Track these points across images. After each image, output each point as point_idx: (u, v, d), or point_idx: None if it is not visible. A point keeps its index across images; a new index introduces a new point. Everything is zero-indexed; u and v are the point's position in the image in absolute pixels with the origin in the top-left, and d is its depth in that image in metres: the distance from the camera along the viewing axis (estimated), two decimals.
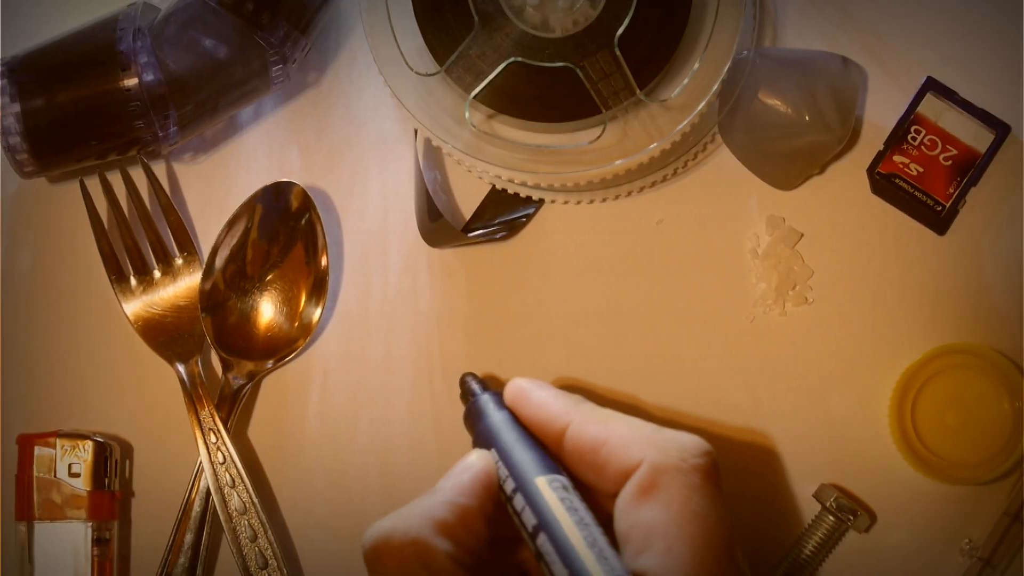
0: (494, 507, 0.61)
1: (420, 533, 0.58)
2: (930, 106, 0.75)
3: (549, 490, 0.59)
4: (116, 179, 0.77)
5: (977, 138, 0.75)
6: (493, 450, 0.63)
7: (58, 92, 0.73)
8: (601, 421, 0.61)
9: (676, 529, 0.56)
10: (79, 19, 0.75)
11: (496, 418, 0.65)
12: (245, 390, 0.76)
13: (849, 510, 0.73)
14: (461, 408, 0.71)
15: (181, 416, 0.75)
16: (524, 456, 0.62)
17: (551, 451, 0.63)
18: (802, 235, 0.76)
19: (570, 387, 0.75)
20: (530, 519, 0.59)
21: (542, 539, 0.58)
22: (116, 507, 0.75)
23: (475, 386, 0.68)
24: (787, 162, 0.75)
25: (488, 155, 0.71)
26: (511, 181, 0.73)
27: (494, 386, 0.68)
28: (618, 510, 0.58)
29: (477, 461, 0.62)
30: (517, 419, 0.65)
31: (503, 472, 0.62)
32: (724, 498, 0.59)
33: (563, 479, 0.60)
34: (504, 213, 0.77)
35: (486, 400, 0.67)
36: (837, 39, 0.78)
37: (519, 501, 0.60)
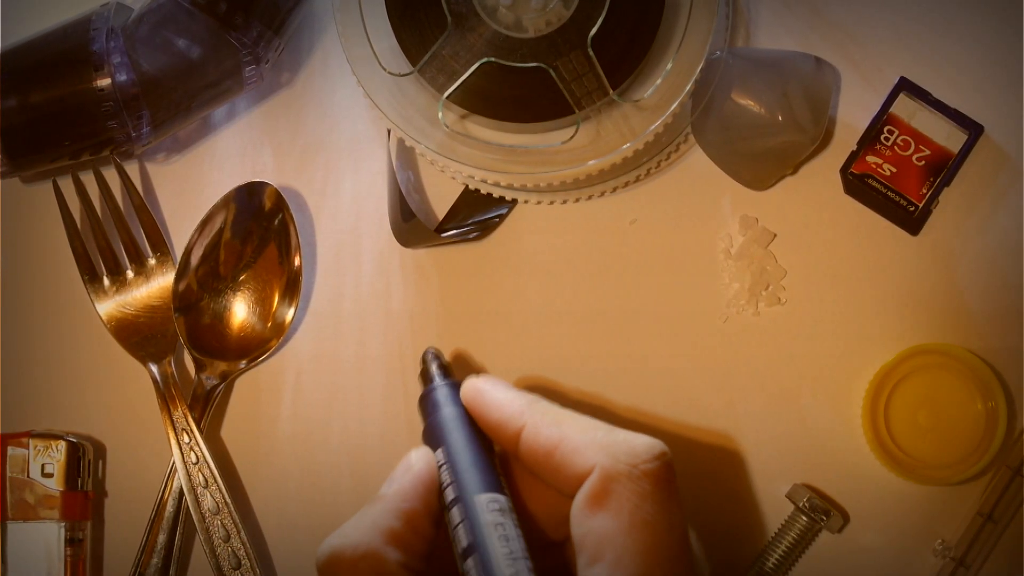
0: (438, 504, 0.61)
1: (371, 545, 0.57)
2: (903, 106, 0.75)
3: (487, 512, 0.58)
4: (89, 179, 0.77)
5: (950, 138, 0.75)
6: (440, 450, 0.62)
7: (31, 92, 0.73)
8: (554, 423, 0.61)
9: (625, 539, 0.56)
10: (52, 19, 0.75)
11: (449, 415, 0.64)
12: (218, 390, 0.76)
13: (822, 510, 0.73)
14: None
15: (154, 416, 0.75)
16: (468, 467, 0.61)
17: (507, 452, 0.63)
18: (775, 235, 0.76)
19: (540, 387, 0.76)
20: (463, 538, 0.58)
21: (470, 563, 0.57)
22: (89, 507, 0.75)
23: (435, 371, 0.67)
24: (760, 162, 0.75)
25: (461, 155, 0.71)
26: (484, 181, 0.73)
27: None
28: (573, 516, 0.58)
29: (418, 463, 0.61)
30: (471, 419, 0.64)
31: (446, 477, 0.61)
32: (678, 501, 0.58)
33: (503, 500, 0.59)
34: (477, 213, 0.77)
35: (444, 392, 0.65)
36: (810, 39, 0.78)
37: (456, 515, 0.59)
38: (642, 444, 0.59)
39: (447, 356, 0.73)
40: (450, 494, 0.60)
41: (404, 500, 0.59)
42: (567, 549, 0.62)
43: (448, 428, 0.63)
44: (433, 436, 0.64)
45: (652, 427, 0.75)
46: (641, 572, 0.55)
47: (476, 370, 0.76)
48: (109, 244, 0.77)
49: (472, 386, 0.64)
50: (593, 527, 0.57)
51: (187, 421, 0.74)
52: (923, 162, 0.74)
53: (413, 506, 0.59)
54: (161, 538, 0.74)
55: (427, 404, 0.66)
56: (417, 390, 0.75)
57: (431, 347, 0.69)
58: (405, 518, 0.59)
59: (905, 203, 0.74)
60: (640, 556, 0.56)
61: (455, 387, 0.65)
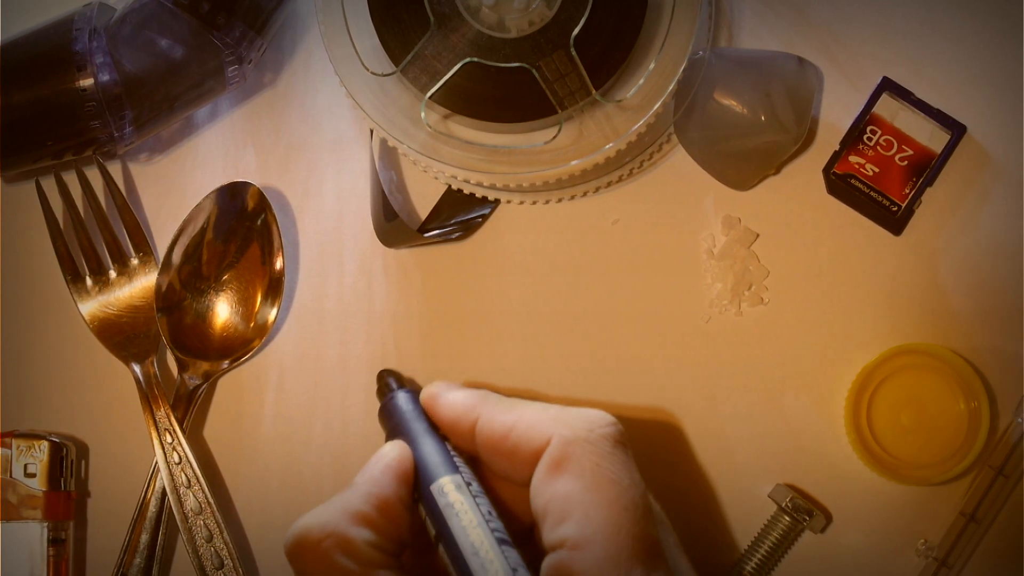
0: (412, 492, 0.62)
1: (337, 526, 0.58)
2: (886, 106, 0.75)
3: (442, 494, 0.60)
4: (72, 179, 0.77)
5: (933, 138, 0.75)
6: None
7: (14, 92, 0.73)
8: (508, 409, 0.62)
9: (591, 496, 0.57)
10: (34, 19, 0.75)
11: (408, 418, 0.65)
12: (201, 390, 0.76)
13: (805, 510, 0.73)
14: None
15: (137, 416, 0.75)
16: (423, 459, 0.62)
17: (463, 449, 0.63)
18: (758, 235, 0.76)
19: (524, 388, 0.76)
20: (431, 529, 0.60)
21: (441, 549, 0.59)
22: (72, 507, 0.75)
23: (391, 382, 0.69)
24: (743, 162, 0.75)
25: (444, 155, 0.71)
26: (467, 181, 0.73)
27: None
28: (533, 489, 0.59)
29: (390, 451, 0.62)
30: (425, 417, 0.65)
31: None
32: (635, 463, 0.59)
33: (457, 478, 0.61)
34: (460, 213, 0.77)
35: (400, 398, 0.67)
36: (793, 39, 0.78)
37: (421, 510, 0.61)
38: (595, 413, 0.61)
39: (430, 355, 0.74)
40: (416, 492, 0.62)
41: (374, 485, 0.60)
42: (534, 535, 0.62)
43: (405, 428, 0.65)
44: (391, 438, 0.65)
45: (633, 427, 0.75)
46: (609, 524, 0.56)
47: (457, 370, 0.76)
48: (92, 244, 0.77)
49: (427, 392, 0.66)
50: (556, 491, 0.58)
51: (170, 421, 0.74)
52: (906, 162, 0.75)
53: (383, 491, 0.60)
54: (144, 538, 0.74)
55: (386, 412, 0.67)
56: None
57: (385, 368, 0.72)
58: (374, 502, 0.60)
59: (888, 203, 0.75)
60: (607, 510, 0.56)
61: (412, 393, 0.67)
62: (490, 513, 0.59)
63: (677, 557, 0.60)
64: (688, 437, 0.75)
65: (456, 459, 0.62)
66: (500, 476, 0.62)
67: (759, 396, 0.75)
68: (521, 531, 0.61)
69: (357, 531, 0.58)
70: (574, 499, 0.57)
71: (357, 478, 0.61)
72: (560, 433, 0.59)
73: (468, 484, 0.60)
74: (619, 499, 0.57)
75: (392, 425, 0.66)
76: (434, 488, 0.60)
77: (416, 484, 0.62)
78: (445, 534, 0.59)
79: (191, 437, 0.76)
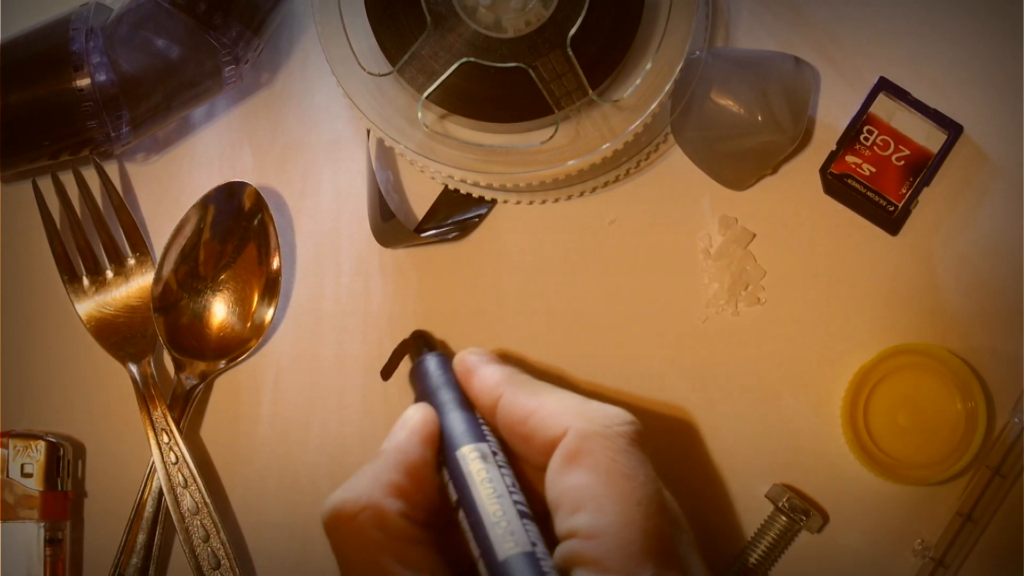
0: (438, 455, 0.62)
1: (371, 497, 0.59)
2: (883, 106, 0.75)
3: (468, 461, 0.60)
4: (69, 179, 0.77)
5: (930, 138, 0.75)
6: None
7: (10, 93, 0.73)
8: (532, 393, 0.62)
9: (605, 489, 0.57)
10: (31, 19, 0.75)
11: (435, 382, 0.66)
12: (197, 390, 0.76)
13: (801, 510, 0.73)
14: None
15: (134, 416, 0.75)
16: (451, 425, 0.63)
17: (486, 421, 0.64)
18: (754, 235, 0.76)
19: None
20: (452, 493, 0.60)
21: (461, 515, 0.59)
22: (69, 507, 0.75)
23: (424, 346, 0.70)
24: (740, 162, 0.75)
25: (441, 155, 0.71)
26: (464, 181, 0.73)
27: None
28: (548, 479, 0.59)
29: (414, 415, 0.63)
30: (456, 385, 0.65)
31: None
32: (651, 462, 0.59)
33: (483, 447, 0.61)
34: (457, 213, 0.77)
35: (431, 361, 0.67)
36: (789, 39, 0.78)
37: (444, 474, 0.61)
38: (614, 410, 0.61)
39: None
40: (440, 456, 0.62)
41: (401, 453, 0.61)
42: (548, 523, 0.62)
43: (434, 393, 0.65)
44: (420, 401, 0.66)
45: None
46: (622, 518, 0.56)
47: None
48: (89, 244, 0.77)
49: (460, 358, 0.66)
50: (571, 482, 0.58)
51: (166, 421, 0.74)
52: (903, 162, 0.75)
53: (411, 458, 0.61)
54: (141, 538, 0.74)
55: (416, 374, 0.68)
56: (397, 390, 0.75)
57: (420, 329, 0.72)
58: (404, 470, 0.60)
59: (885, 203, 0.74)
60: (621, 503, 0.56)
61: (443, 358, 0.67)
62: (513, 485, 0.60)
63: (690, 556, 0.60)
64: (685, 437, 0.75)
65: (484, 428, 0.63)
66: (517, 456, 0.63)
67: (756, 396, 0.75)
68: (536, 514, 0.61)
69: (391, 502, 0.58)
70: (587, 492, 0.57)
71: (384, 445, 0.62)
72: (577, 426, 0.59)
73: (494, 454, 0.61)
74: (633, 494, 0.57)
75: (422, 388, 0.66)
76: (459, 454, 0.61)
77: (441, 448, 0.62)
78: (467, 500, 0.59)
79: (188, 437, 0.76)
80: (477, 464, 0.60)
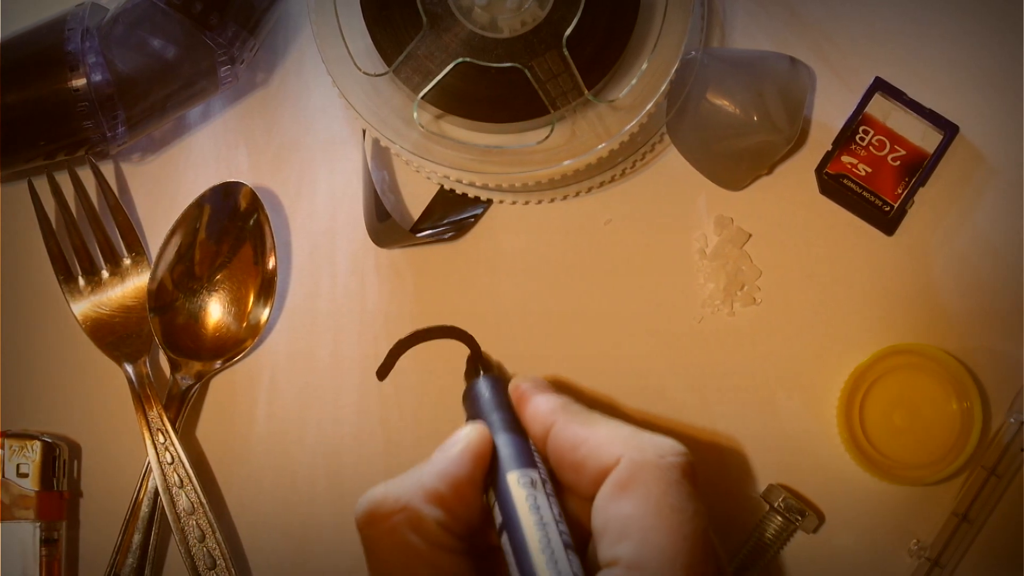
0: (483, 474, 0.62)
1: (410, 500, 0.59)
2: (878, 106, 0.75)
3: (518, 487, 0.60)
4: (64, 179, 0.77)
5: (925, 138, 0.75)
6: None
7: (6, 93, 0.73)
8: (584, 423, 0.62)
9: (653, 520, 0.57)
10: (27, 20, 0.75)
11: (488, 405, 0.66)
12: (193, 390, 0.76)
13: (797, 511, 0.73)
14: (408, 409, 0.73)
15: (129, 416, 0.75)
16: (503, 448, 0.62)
17: (537, 449, 0.64)
18: (750, 235, 0.76)
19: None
20: (498, 516, 0.60)
21: (505, 538, 0.59)
22: (64, 507, 0.75)
23: (479, 367, 0.70)
24: (735, 162, 0.75)
25: (436, 155, 0.71)
26: (459, 181, 0.73)
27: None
28: (596, 507, 0.59)
29: (471, 432, 0.63)
30: (510, 408, 0.66)
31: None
32: (701, 496, 0.59)
33: (533, 474, 0.61)
34: (452, 213, 0.77)
35: (484, 383, 0.68)
36: (785, 39, 0.78)
37: (491, 496, 0.61)
38: (667, 441, 0.61)
39: (422, 355, 0.73)
40: (488, 477, 0.62)
41: (451, 464, 0.61)
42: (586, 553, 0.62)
43: (487, 415, 0.65)
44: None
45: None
46: (668, 551, 0.56)
47: (449, 370, 0.76)
48: (84, 244, 0.77)
49: (514, 384, 0.66)
50: (619, 511, 0.58)
51: (162, 421, 0.74)
52: (898, 162, 0.75)
53: (459, 471, 0.61)
54: (136, 538, 0.74)
55: (470, 395, 0.68)
56: (393, 390, 0.75)
57: (474, 352, 0.72)
58: (449, 481, 0.60)
59: (880, 203, 0.74)
60: (667, 536, 0.56)
61: (497, 381, 0.68)
62: (560, 515, 0.59)
63: None
64: (680, 437, 0.75)
65: (535, 455, 0.63)
66: (564, 486, 0.62)
67: (751, 396, 0.75)
68: (578, 546, 0.61)
69: (429, 509, 0.58)
70: (635, 521, 0.57)
71: (435, 455, 0.62)
72: (630, 455, 0.59)
73: (544, 482, 0.61)
74: (680, 528, 0.57)
75: (475, 409, 0.66)
76: (511, 477, 0.60)
77: (491, 469, 0.62)
78: (513, 525, 0.59)
79: (183, 437, 0.76)
80: (527, 490, 0.60)
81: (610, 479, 0.59)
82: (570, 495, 0.62)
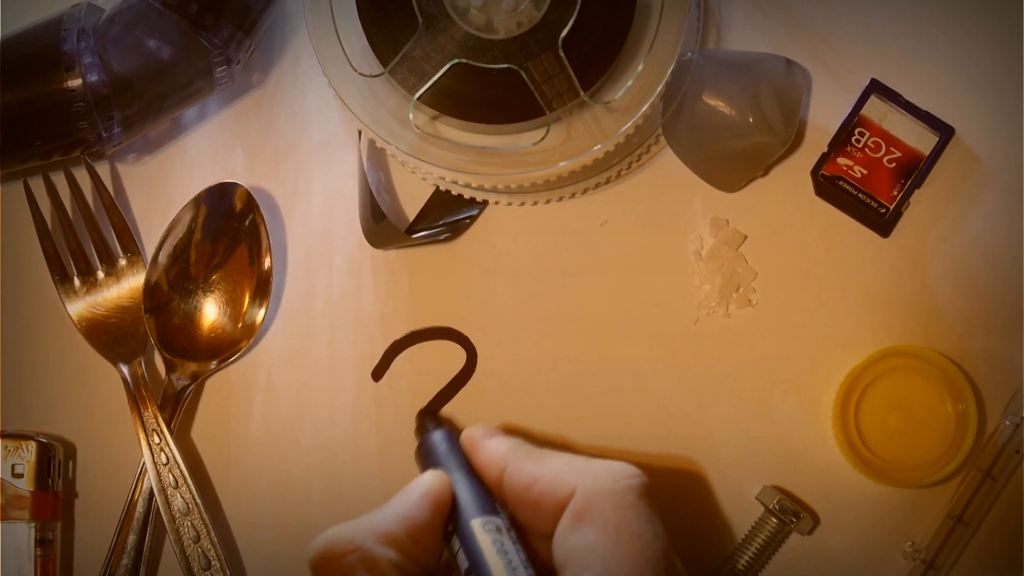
0: (446, 523, 0.62)
1: (364, 542, 0.58)
2: (874, 108, 0.75)
3: (483, 532, 0.60)
4: (60, 180, 0.77)
5: (921, 140, 0.75)
6: None
7: (2, 93, 0.73)
8: (536, 459, 0.62)
9: (613, 548, 0.57)
10: (23, 20, 0.75)
11: (445, 456, 0.65)
12: (188, 391, 0.76)
13: (792, 512, 0.73)
14: (404, 410, 0.73)
15: (124, 417, 0.75)
16: (464, 496, 0.62)
17: (494, 495, 0.63)
18: (746, 237, 0.76)
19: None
20: (463, 562, 0.59)
21: None
22: (59, 508, 0.75)
23: (430, 423, 0.70)
24: (731, 164, 0.75)
25: (432, 156, 0.71)
26: (455, 182, 0.73)
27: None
28: (556, 540, 0.59)
29: (431, 479, 0.62)
30: (466, 459, 0.65)
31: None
32: (658, 516, 0.59)
33: (498, 520, 0.60)
34: (448, 214, 0.77)
35: (437, 436, 0.67)
36: (781, 41, 0.78)
37: (455, 543, 0.60)
38: (620, 465, 0.61)
39: (417, 356, 0.73)
40: (448, 526, 0.61)
41: (408, 508, 0.60)
42: None
43: (445, 467, 0.65)
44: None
45: (622, 429, 0.75)
46: None
47: (443, 371, 0.76)
48: (80, 244, 0.77)
49: (465, 434, 0.66)
50: (579, 541, 0.57)
51: (157, 422, 0.74)
52: (894, 164, 0.75)
53: (417, 516, 0.60)
54: (131, 539, 0.74)
55: (424, 450, 0.67)
56: (388, 391, 0.75)
57: (423, 409, 0.73)
58: (406, 526, 0.59)
59: (876, 205, 0.74)
60: (629, 563, 0.56)
61: (450, 433, 0.67)
62: (527, 561, 0.59)
63: None
64: (676, 439, 0.75)
65: (495, 504, 0.62)
66: (524, 527, 0.62)
67: (747, 398, 0.75)
68: None
69: (383, 550, 0.58)
70: (596, 550, 0.57)
71: (393, 500, 0.61)
72: (585, 485, 0.59)
73: (508, 529, 0.60)
74: (640, 552, 0.57)
75: (431, 462, 0.66)
76: (475, 524, 0.60)
77: (453, 516, 0.61)
78: (480, 571, 0.58)
79: (179, 438, 0.76)
80: (492, 535, 0.60)
81: (567, 511, 0.59)
82: (532, 536, 0.62)
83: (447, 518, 0.61)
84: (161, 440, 0.74)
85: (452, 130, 0.72)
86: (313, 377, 0.77)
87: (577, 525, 0.58)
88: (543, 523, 0.60)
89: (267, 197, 0.78)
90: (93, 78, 0.73)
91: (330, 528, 0.59)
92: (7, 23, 0.77)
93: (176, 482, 0.74)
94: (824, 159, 0.75)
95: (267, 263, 0.76)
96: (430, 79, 0.70)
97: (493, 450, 0.64)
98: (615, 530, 0.57)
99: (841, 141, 0.75)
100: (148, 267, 0.76)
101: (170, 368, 0.76)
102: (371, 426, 0.76)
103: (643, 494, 0.59)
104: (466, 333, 0.76)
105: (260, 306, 0.76)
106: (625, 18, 0.71)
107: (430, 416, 0.72)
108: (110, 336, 0.76)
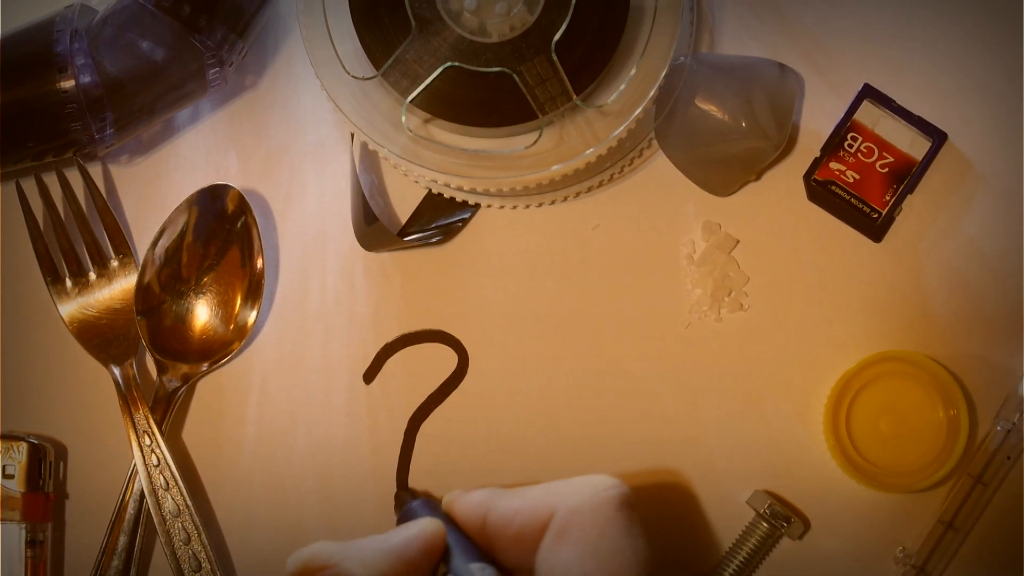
0: (429, 568, 0.61)
1: (342, 562, 0.58)
2: (867, 113, 0.75)
3: (480, 574, 0.59)
4: (52, 181, 0.77)
5: (914, 145, 0.75)
6: None
7: None
8: (514, 496, 0.62)
9: (594, 563, 0.57)
10: (17, 21, 0.75)
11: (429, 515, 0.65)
12: (180, 392, 0.76)
13: (783, 517, 0.73)
14: (396, 412, 0.74)
15: (116, 418, 0.75)
16: (455, 543, 0.61)
17: (480, 546, 0.63)
18: (738, 241, 0.76)
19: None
20: None
21: None
22: (50, 509, 0.75)
23: (407, 496, 0.71)
24: (723, 168, 0.75)
25: (424, 159, 0.71)
26: (447, 185, 0.73)
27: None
28: (539, 560, 0.58)
29: (428, 523, 0.61)
30: (451, 520, 0.64)
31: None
32: (640, 526, 0.59)
33: (490, 570, 0.60)
34: (440, 217, 0.77)
35: (418, 504, 0.67)
36: (774, 45, 0.78)
37: None
38: (598, 478, 0.61)
39: (409, 358, 0.73)
40: (442, 568, 0.61)
41: (398, 543, 0.60)
42: None
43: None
44: None
45: (613, 433, 0.75)
46: None
47: (437, 372, 0.76)
48: (72, 246, 0.77)
49: (447, 499, 0.65)
50: (560, 558, 0.57)
51: (148, 423, 0.74)
52: (887, 169, 0.75)
53: (403, 554, 0.59)
54: (122, 540, 0.74)
55: (407, 517, 0.67)
56: (381, 393, 0.75)
57: (399, 490, 0.74)
58: (392, 560, 0.59)
59: (868, 210, 0.74)
60: None
61: (430, 503, 0.68)
62: None
63: None
64: (667, 443, 0.75)
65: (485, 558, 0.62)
66: (513, 569, 0.62)
67: (738, 402, 0.75)
68: None
69: (361, 569, 0.57)
70: (576, 566, 0.57)
71: (387, 533, 0.61)
72: (563, 504, 0.59)
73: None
74: (621, 569, 0.57)
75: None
76: (476, 566, 0.60)
77: (447, 559, 0.61)
78: None
79: (170, 439, 0.76)
80: None
81: (548, 530, 0.59)
82: None
83: (436, 564, 0.61)
84: (152, 442, 0.74)
85: (445, 133, 0.72)
86: (305, 379, 0.77)
87: (557, 544, 0.58)
88: (529, 554, 0.60)
89: (260, 199, 0.78)
90: (86, 79, 0.73)
91: (315, 543, 0.59)
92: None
93: (167, 484, 0.74)
94: (817, 164, 0.75)
95: (259, 265, 0.76)
96: (423, 82, 0.70)
97: (472, 499, 0.63)
98: (594, 548, 0.57)
99: (834, 146, 0.75)
100: (140, 269, 0.76)
101: (161, 370, 0.76)
102: (363, 428, 0.76)
103: (623, 504, 0.59)
104: (458, 336, 0.76)
105: (252, 308, 0.76)
106: (618, 22, 0.71)
107: (406, 492, 0.73)
108: (102, 337, 0.76)
